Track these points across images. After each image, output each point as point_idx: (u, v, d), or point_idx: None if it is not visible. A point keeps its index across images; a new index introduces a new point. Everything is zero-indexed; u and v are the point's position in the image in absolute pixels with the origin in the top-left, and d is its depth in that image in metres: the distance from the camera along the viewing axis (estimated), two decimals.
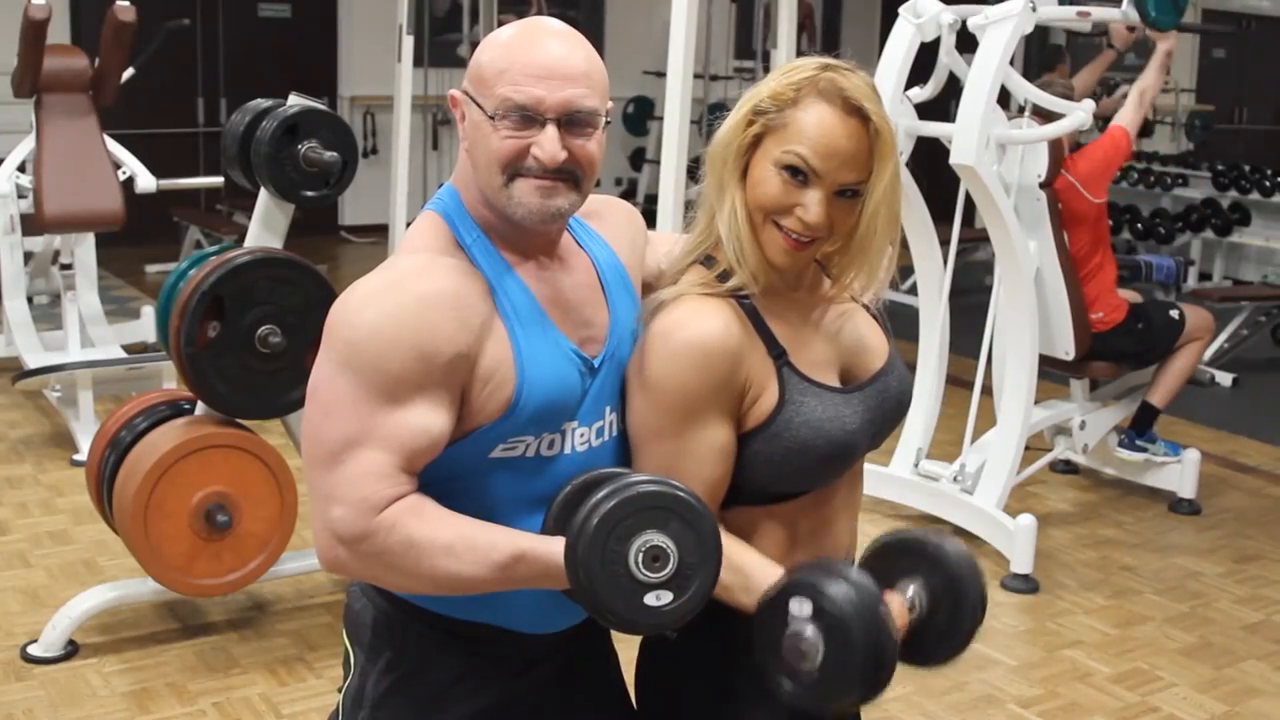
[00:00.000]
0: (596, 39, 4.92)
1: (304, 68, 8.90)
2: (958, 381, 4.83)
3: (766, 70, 6.77)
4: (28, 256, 5.84)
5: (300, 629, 3.44)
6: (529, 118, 1.43)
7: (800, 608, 1.40)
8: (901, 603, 1.50)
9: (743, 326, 1.53)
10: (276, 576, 3.43)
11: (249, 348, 3.07)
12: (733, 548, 1.47)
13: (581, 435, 1.52)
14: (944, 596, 1.51)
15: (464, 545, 1.40)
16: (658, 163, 4.97)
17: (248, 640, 3.37)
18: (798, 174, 1.50)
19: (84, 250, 5.54)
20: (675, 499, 1.39)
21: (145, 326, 5.77)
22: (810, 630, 1.39)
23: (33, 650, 3.24)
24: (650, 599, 1.38)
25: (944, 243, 4.41)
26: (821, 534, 1.63)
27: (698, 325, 1.51)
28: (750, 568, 1.51)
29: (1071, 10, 4.29)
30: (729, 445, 1.54)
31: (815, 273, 1.64)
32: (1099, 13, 4.35)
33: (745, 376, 1.53)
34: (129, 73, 5.45)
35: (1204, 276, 8.68)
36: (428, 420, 1.40)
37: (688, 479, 1.48)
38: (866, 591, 1.40)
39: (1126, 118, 4.46)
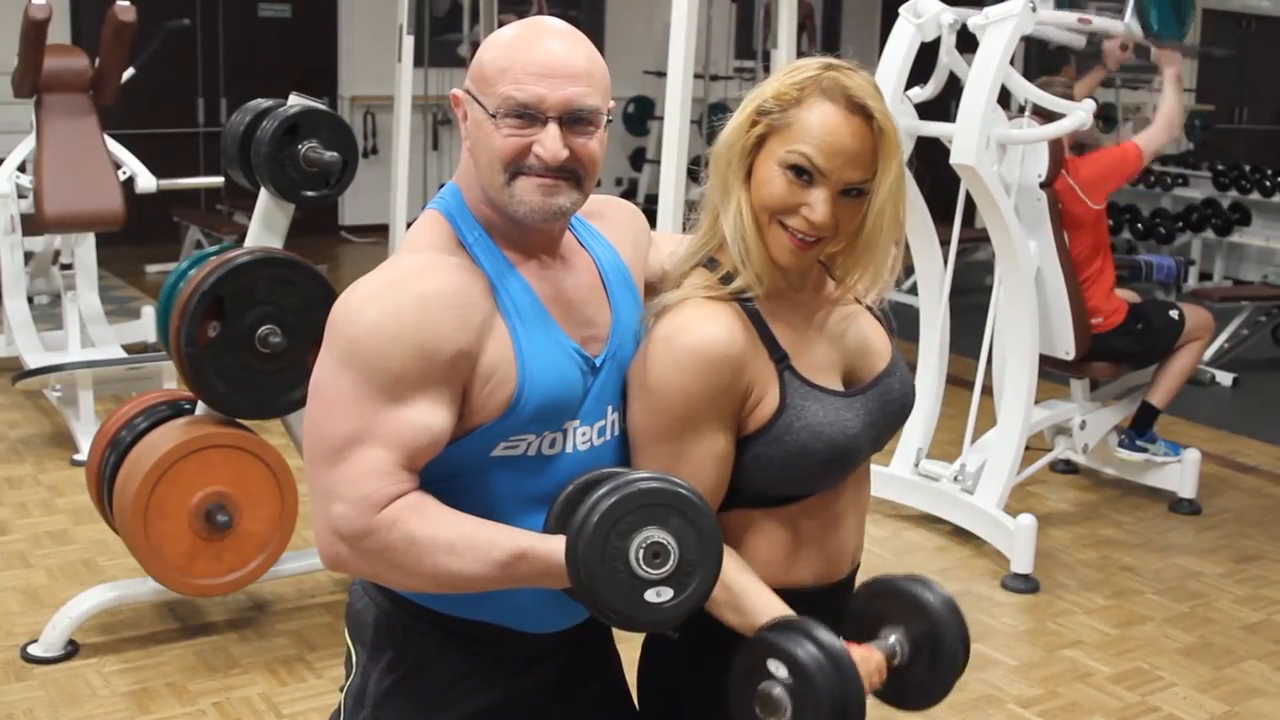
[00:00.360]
0: (597, 39, 4.90)
1: (304, 68, 8.90)
2: (958, 381, 4.83)
3: (767, 70, 6.77)
4: (28, 256, 5.83)
5: (300, 629, 3.44)
6: (531, 116, 1.43)
7: (777, 668, 1.42)
8: (880, 658, 1.51)
9: (746, 331, 1.53)
10: (276, 576, 3.43)
11: (249, 348, 3.07)
12: (726, 564, 1.46)
13: (583, 434, 1.52)
14: (924, 646, 1.53)
15: (465, 543, 1.40)
16: (658, 163, 4.97)
17: (248, 640, 3.37)
18: (802, 173, 1.49)
19: (84, 250, 5.54)
20: (676, 496, 1.39)
21: (145, 326, 5.77)
22: (779, 689, 1.41)
23: (33, 650, 3.24)
24: (651, 595, 1.38)
25: (944, 243, 4.41)
26: (827, 536, 1.62)
27: (701, 331, 1.51)
28: (740, 587, 1.52)
29: (1072, 16, 4.29)
30: (727, 453, 1.54)
31: (819, 274, 1.64)
32: (1100, 22, 4.35)
33: (747, 382, 1.53)
34: (129, 73, 5.45)
35: (1204, 276, 8.68)
36: (429, 418, 1.41)
37: None
38: (835, 654, 1.42)
39: (1145, 136, 4.45)
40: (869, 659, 1.48)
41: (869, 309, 1.69)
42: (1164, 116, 4.46)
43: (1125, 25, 4.27)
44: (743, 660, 1.48)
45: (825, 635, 1.43)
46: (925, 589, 1.55)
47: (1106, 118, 9.65)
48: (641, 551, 1.37)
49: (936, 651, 1.52)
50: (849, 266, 1.60)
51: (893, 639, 1.53)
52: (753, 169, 1.53)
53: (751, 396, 1.53)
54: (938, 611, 1.53)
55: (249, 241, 3.32)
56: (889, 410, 1.64)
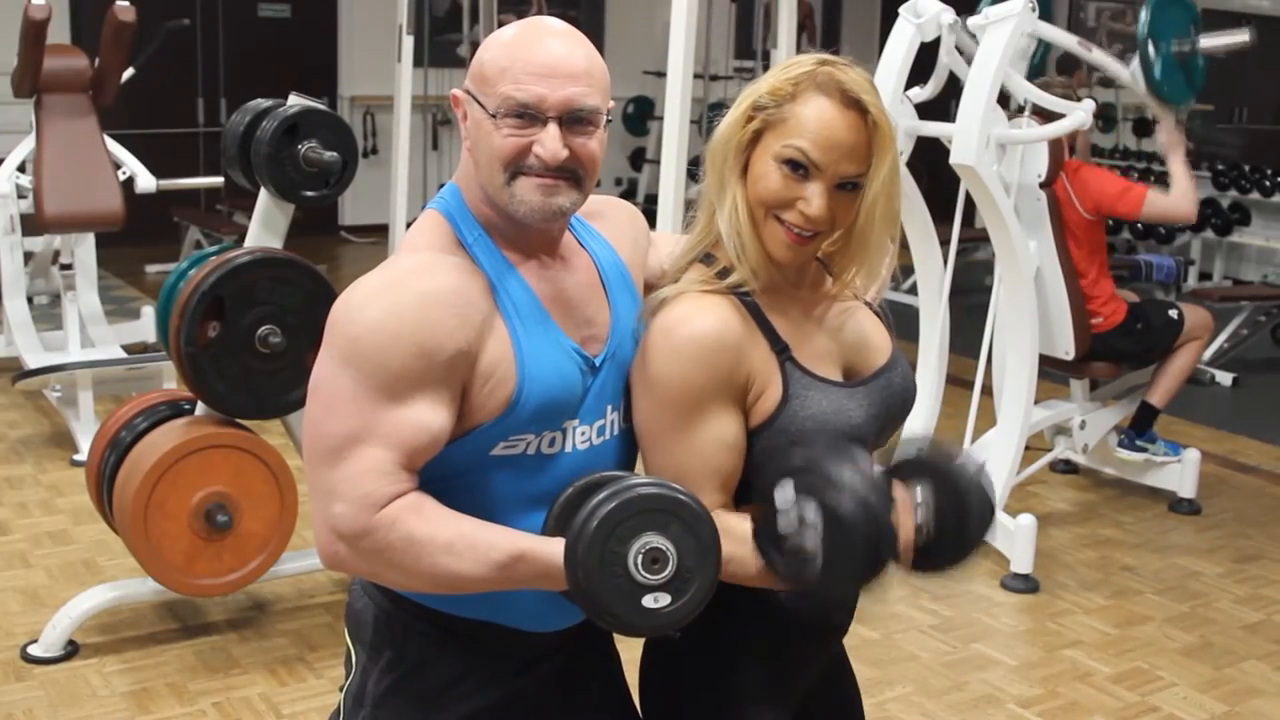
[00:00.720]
0: (597, 39, 4.89)
1: (304, 68, 8.90)
2: (958, 381, 4.83)
3: (766, 70, 6.76)
4: (28, 256, 5.84)
5: (300, 629, 3.44)
6: (531, 116, 1.43)
7: (785, 493, 1.38)
8: (906, 498, 1.45)
9: (743, 322, 1.54)
10: (276, 576, 3.43)
11: (249, 348, 3.07)
12: (740, 524, 1.46)
13: (583, 433, 1.52)
14: (949, 514, 1.47)
15: (464, 544, 1.40)
16: (658, 163, 4.97)
17: (248, 640, 3.37)
18: (798, 168, 1.50)
19: (84, 250, 5.54)
20: (676, 502, 1.39)
21: (145, 326, 5.78)
22: (811, 511, 1.37)
23: (33, 650, 3.24)
24: (648, 601, 1.38)
25: (944, 243, 4.41)
26: None
27: (698, 321, 1.51)
28: (737, 523, 1.50)
29: (1073, 39, 4.29)
30: (737, 438, 1.53)
31: (817, 270, 1.65)
32: (1101, 56, 4.34)
33: (747, 371, 1.53)
34: (129, 73, 5.45)
35: (1204, 276, 8.68)
36: (429, 417, 1.41)
37: (697, 474, 1.49)
38: (867, 476, 1.39)
39: (1157, 194, 4.35)
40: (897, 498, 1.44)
41: (868, 304, 1.69)
42: (1179, 197, 4.33)
43: (1130, 73, 4.25)
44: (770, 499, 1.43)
45: (854, 450, 1.40)
46: (952, 460, 1.49)
47: (1106, 117, 9.66)
48: (640, 557, 1.37)
49: (963, 521, 1.47)
50: (845, 262, 1.60)
51: (919, 512, 1.46)
52: (749, 164, 1.54)
53: (754, 388, 1.54)
54: (965, 481, 1.47)
55: (249, 241, 3.32)
56: (891, 403, 1.64)
